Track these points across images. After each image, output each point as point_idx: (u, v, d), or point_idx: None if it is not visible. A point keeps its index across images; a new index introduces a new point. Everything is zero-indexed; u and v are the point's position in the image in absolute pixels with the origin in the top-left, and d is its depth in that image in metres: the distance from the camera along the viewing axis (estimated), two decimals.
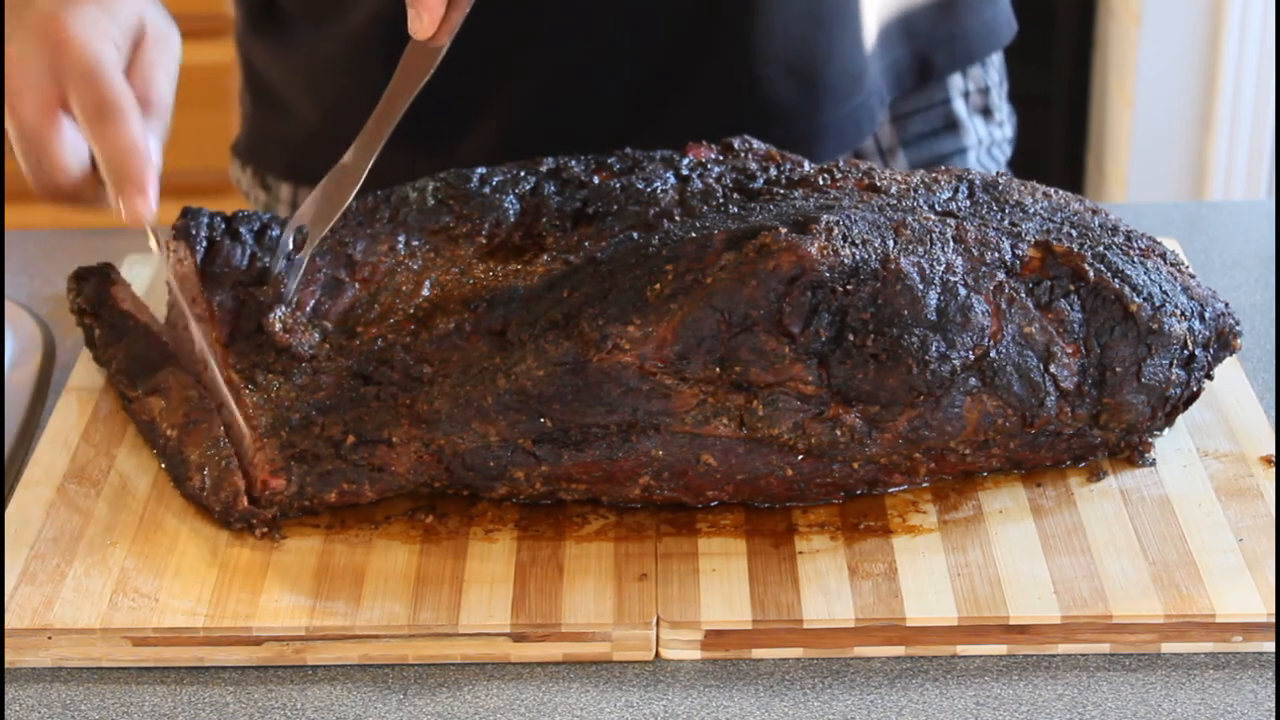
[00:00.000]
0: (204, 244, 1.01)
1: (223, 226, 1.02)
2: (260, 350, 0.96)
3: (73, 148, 0.91)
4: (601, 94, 1.19)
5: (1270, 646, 0.85)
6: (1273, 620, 0.85)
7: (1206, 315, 0.93)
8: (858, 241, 0.89)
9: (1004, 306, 0.90)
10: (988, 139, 1.32)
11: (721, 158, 1.04)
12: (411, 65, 0.96)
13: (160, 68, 0.95)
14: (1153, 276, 0.92)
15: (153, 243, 0.95)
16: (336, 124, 1.24)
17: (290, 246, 0.98)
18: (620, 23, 1.18)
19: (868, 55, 1.23)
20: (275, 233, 1.02)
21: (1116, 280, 0.91)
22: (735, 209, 0.98)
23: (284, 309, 0.98)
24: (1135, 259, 0.93)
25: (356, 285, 1.00)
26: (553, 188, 1.03)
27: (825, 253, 0.88)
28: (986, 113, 1.32)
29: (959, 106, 1.30)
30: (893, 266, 0.88)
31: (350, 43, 1.21)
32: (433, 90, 1.21)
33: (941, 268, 0.89)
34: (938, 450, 0.91)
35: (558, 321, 0.91)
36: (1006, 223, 0.94)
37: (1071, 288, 0.91)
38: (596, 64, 1.19)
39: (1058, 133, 2.52)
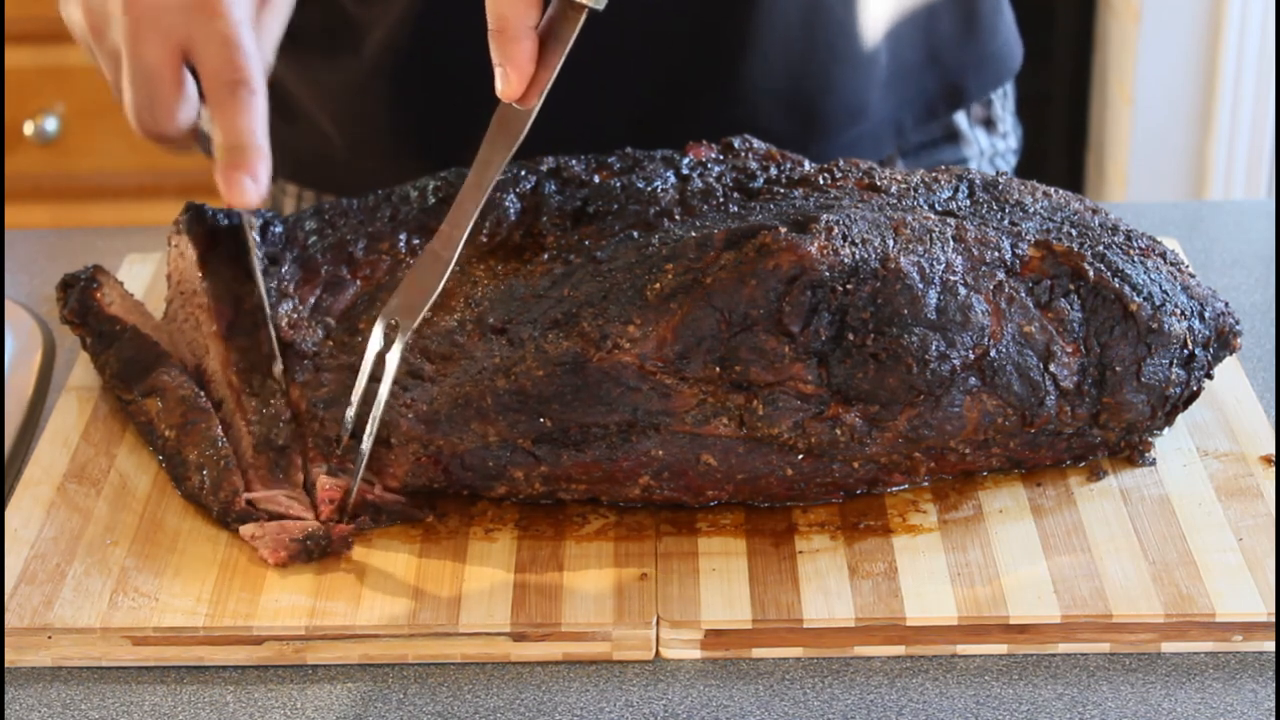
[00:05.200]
0: (205, 239, 1.01)
1: (225, 223, 1.02)
2: (258, 347, 0.96)
3: (187, 102, 0.90)
4: (594, 129, 1.19)
5: (1270, 646, 0.85)
6: (1273, 620, 0.85)
7: (1206, 314, 0.93)
8: (857, 241, 0.89)
9: (1004, 306, 0.90)
10: (990, 150, 1.32)
11: (722, 157, 1.04)
12: (501, 129, 0.90)
13: (272, 31, 0.94)
14: (1152, 276, 0.92)
15: (248, 224, 0.96)
16: (346, 139, 1.24)
17: (380, 344, 0.91)
18: (614, 57, 1.17)
19: (873, 88, 1.23)
20: (278, 229, 1.02)
21: (1116, 280, 0.91)
22: (735, 208, 0.98)
23: (287, 305, 0.98)
24: (1135, 258, 0.93)
25: (358, 283, 1.00)
26: (553, 187, 1.03)
27: (825, 252, 0.88)
28: (989, 124, 1.32)
29: (960, 118, 1.30)
30: (892, 266, 0.88)
31: (363, 73, 1.21)
32: (432, 116, 1.21)
33: (941, 267, 0.89)
34: (938, 450, 0.91)
35: (558, 321, 0.91)
36: (1006, 222, 0.94)
37: (1071, 287, 0.91)
38: (590, 100, 1.19)
39: (1058, 132, 2.52)
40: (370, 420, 0.90)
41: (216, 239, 1.02)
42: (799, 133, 1.21)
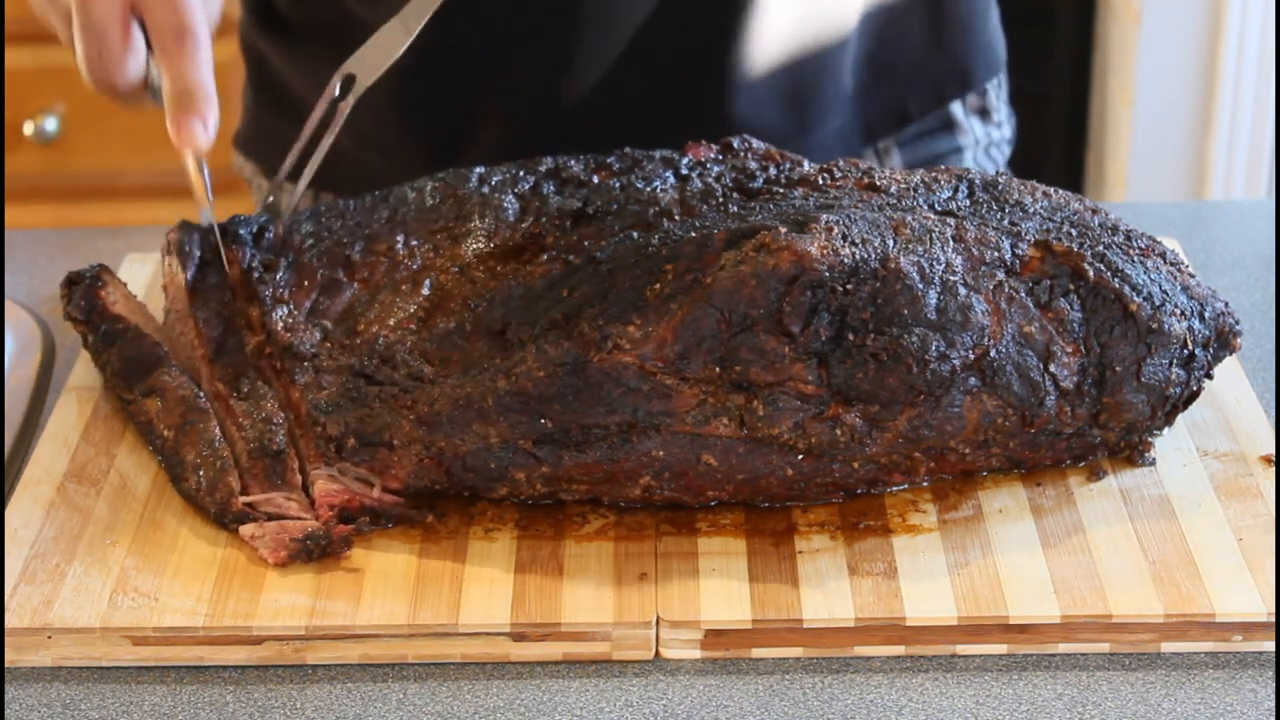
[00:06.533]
0: (195, 263, 1.02)
1: (213, 244, 1.02)
2: (244, 369, 0.96)
3: (136, 54, 0.95)
4: (591, 121, 1.19)
5: (1270, 646, 0.85)
6: (1273, 620, 0.85)
7: (1206, 314, 0.93)
8: (857, 241, 0.89)
9: (1004, 306, 0.90)
10: (985, 139, 1.32)
11: (721, 157, 1.04)
12: None
13: None
14: (1152, 276, 0.92)
15: (191, 170, 0.98)
16: (351, 139, 1.25)
17: (336, 93, 0.99)
18: (608, 50, 1.18)
19: (871, 74, 1.23)
20: (271, 235, 1.02)
21: (1116, 280, 0.91)
22: (735, 208, 0.98)
23: (283, 309, 0.98)
24: (1135, 258, 0.93)
25: (355, 285, 1.00)
26: (552, 187, 1.03)
27: (825, 252, 0.88)
28: (984, 113, 1.32)
29: (955, 107, 1.30)
30: (892, 266, 0.88)
31: None
32: (434, 115, 1.22)
33: (941, 267, 0.89)
34: (938, 450, 0.91)
35: (558, 321, 0.91)
36: (1006, 222, 0.94)
37: (1071, 287, 0.91)
38: (586, 94, 1.19)
39: (1058, 132, 2.52)
40: (309, 164, 0.99)
41: (205, 260, 1.02)
42: (790, 124, 1.21)
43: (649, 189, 1.00)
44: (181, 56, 0.93)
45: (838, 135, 1.24)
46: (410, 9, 0.99)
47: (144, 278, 1.14)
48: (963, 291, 0.89)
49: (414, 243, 1.01)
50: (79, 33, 0.94)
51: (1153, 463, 0.95)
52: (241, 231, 1.02)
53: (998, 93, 1.33)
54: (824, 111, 1.22)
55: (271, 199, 1.04)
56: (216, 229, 1.02)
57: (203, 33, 0.94)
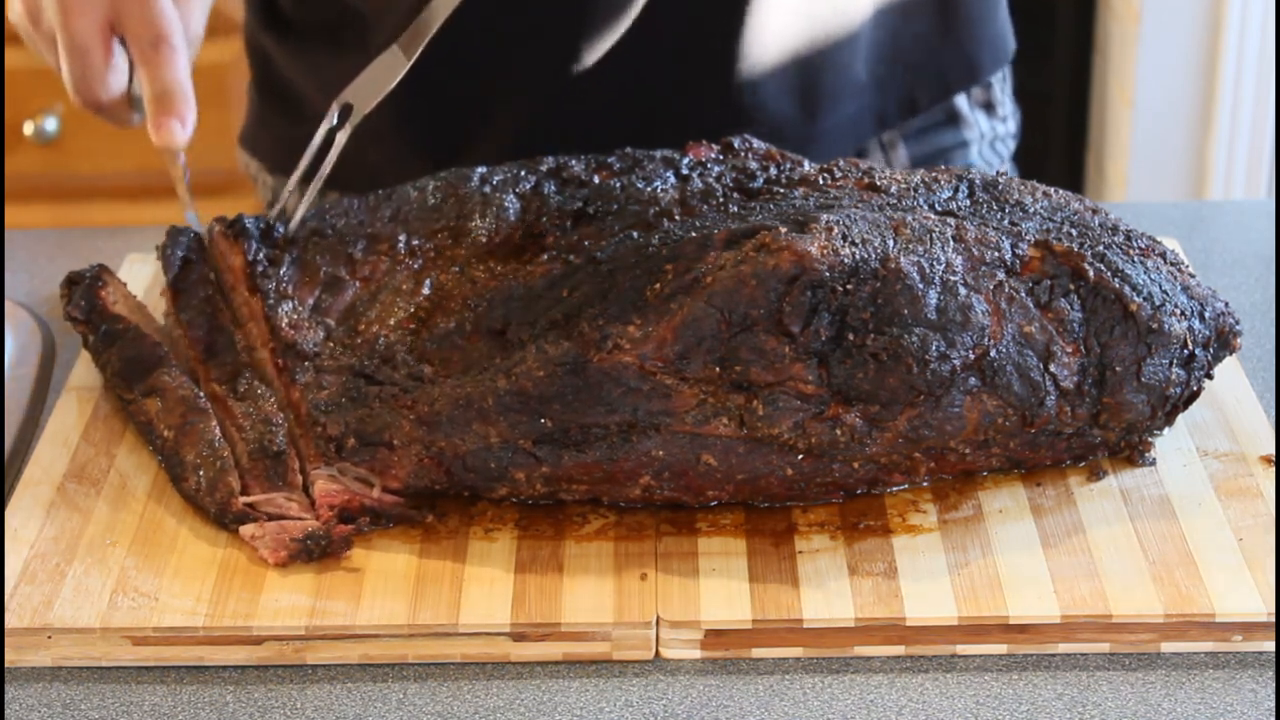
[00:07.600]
0: (177, 264, 1.02)
1: (198, 246, 1.03)
2: (239, 368, 0.96)
3: (118, 70, 0.99)
4: (593, 117, 1.19)
5: (1270, 646, 0.85)
6: (1273, 620, 0.85)
7: (1206, 314, 0.93)
8: (858, 241, 0.89)
9: (1004, 306, 0.90)
10: (990, 133, 1.33)
11: (721, 157, 1.04)
12: None
13: (196, 4, 1.02)
14: (1152, 276, 0.92)
15: (170, 167, 1.02)
16: (353, 137, 1.25)
17: (335, 121, 1.02)
18: (613, 43, 1.18)
19: (880, 62, 1.23)
20: (280, 232, 1.02)
21: (1116, 280, 0.91)
22: (735, 208, 0.98)
23: (287, 305, 0.98)
24: (1135, 258, 0.93)
25: (357, 284, 1.00)
26: (553, 187, 1.03)
27: (825, 252, 0.88)
28: (989, 107, 1.32)
29: (960, 101, 1.30)
30: (892, 266, 0.88)
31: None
32: (437, 111, 1.22)
33: (941, 267, 0.89)
34: (938, 450, 0.91)
35: (558, 321, 0.91)
36: (1006, 222, 0.94)
37: (1071, 287, 0.91)
38: (588, 85, 1.19)
39: (1058, 132, 2.52)
40: (310, 188, 1.02)
41: (188, 261, 1.02)
42: (798, 111, 1.21)
43: (649, 189, 1.00)
44: (159, 62, 0.97)
45: (848, 124, 1.24)
46: (407, 36, 1.01)
47: (144, 278, 1.14)
48: (963, 291, 0.89)
49: (415, 241, 1.01)
50: (64, 53, 0.98)
51: (1153, 463, 0.95)
52: (249, 224, 1.02)
53: (1003, 87, 1.33)
54: (834, 100, 1.23)
55: (280, 204, 1.04)
56: (196, 220, 1.04)
57: (179, 41, 0.98)
